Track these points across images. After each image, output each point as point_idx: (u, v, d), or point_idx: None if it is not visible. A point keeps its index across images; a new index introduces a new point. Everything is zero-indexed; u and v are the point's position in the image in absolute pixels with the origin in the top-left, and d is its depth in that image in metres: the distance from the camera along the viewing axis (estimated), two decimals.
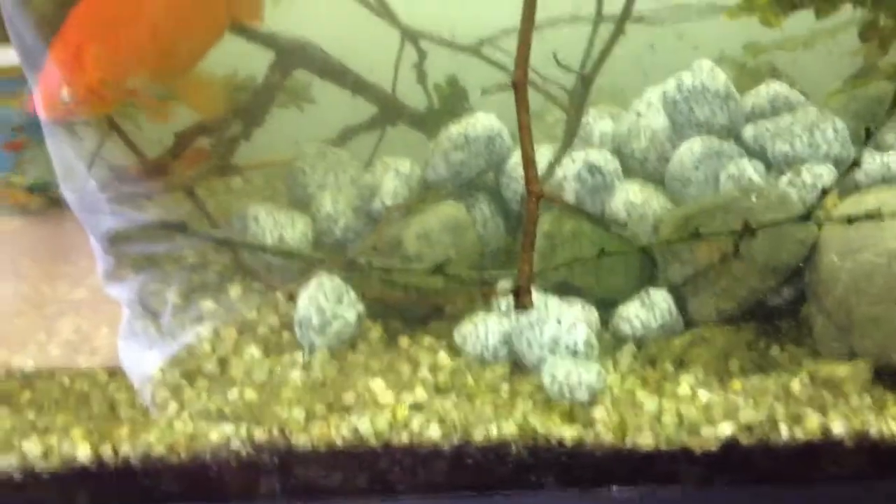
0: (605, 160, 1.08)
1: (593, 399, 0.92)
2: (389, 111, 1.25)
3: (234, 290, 1.08)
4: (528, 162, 0.86)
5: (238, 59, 1.16)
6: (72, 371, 0.95)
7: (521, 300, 0.87)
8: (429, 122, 1.23)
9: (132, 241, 1.04)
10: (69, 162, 1.00)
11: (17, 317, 1.06)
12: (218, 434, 0.84)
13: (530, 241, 0.86)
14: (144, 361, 0.94)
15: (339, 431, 0.85)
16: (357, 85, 1.22)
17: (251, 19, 1.09)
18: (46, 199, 1.12)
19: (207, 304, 1.05)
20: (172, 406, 0.89)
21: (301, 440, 0.84)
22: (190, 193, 1.03)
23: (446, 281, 0.98)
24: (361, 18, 1.22)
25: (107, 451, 0.83)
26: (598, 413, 0.90)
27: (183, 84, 0.98)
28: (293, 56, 1.17)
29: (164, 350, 0.96)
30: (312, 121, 1.26)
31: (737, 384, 0.96)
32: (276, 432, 0.84)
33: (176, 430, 0.85)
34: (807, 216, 0.92)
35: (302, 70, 1.20)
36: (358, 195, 1.16)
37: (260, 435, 0.84)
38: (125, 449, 0.83)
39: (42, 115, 0.95)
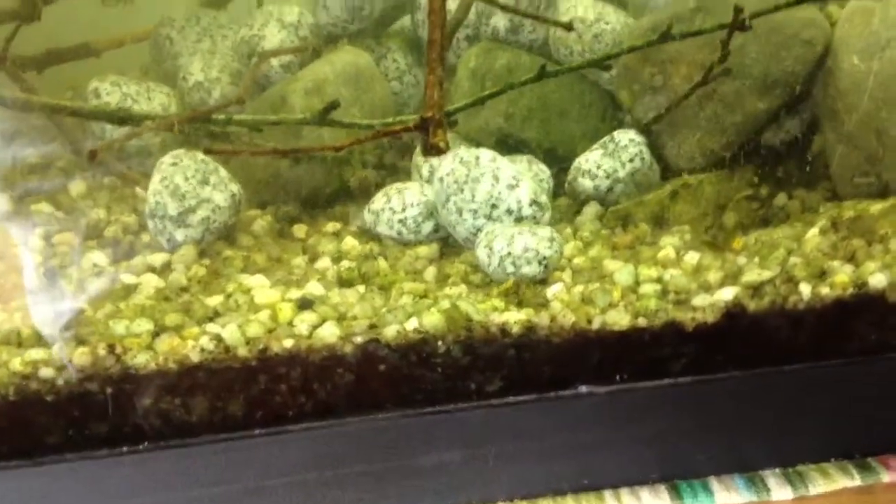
0: None
1: (546, 273, 0.68)
2: None
3: (77, 188, 0.83)
4: None
5: None
6: None
7: (433, 138, 0.64)
8: None
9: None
10: None
11: None
12: (21, 362, 0.60)
13: (437, 54, 0.63)
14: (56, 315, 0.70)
15: (197, 344, 0.62)
16: None
17: None
18: None
19: (41, 208, 0.81)
20: None
21: (141, 360, 0.61)
22: None
23: (337, 133, 0.74)
24: None
25: None
26: (554, 290, 0.67)
27: None
28: None
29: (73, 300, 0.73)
30: None
31: (736, 242, 0.73)
32: (102, 352, 0.60)
33: None
34: None
35: None
36: (235, 57, 0.91)
37: (81, 358, 0.60)
38: None
39: None
